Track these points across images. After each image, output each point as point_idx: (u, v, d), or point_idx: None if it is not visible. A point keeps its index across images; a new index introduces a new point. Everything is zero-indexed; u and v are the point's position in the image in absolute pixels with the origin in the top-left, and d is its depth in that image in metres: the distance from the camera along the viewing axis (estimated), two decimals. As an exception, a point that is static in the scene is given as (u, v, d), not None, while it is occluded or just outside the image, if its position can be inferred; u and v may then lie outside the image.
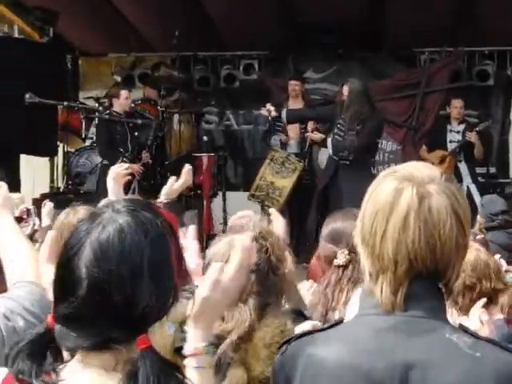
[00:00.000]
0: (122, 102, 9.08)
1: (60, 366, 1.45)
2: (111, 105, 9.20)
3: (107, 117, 9.06)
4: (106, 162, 8.77)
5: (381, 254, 1.57)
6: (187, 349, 1.68)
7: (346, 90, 8.19)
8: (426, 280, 1.57)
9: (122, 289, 1.41)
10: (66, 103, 9.49)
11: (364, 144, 8.07)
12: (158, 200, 5.27)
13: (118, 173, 3.81)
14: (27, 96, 8.63)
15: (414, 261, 1.55)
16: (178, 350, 1.54)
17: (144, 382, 1.38)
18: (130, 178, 3.84)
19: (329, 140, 8.35)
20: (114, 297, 1.41)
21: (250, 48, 10.75)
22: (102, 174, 8.67)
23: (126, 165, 4.60)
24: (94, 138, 10.11)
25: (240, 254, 1.70)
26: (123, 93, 9.13)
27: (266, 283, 2.27)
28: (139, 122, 9.29)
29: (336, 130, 8.25)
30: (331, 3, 9.14)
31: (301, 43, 10.67)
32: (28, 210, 4.77)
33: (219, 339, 2.14)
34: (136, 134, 9.20)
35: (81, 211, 3.34)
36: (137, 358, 1.42)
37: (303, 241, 8.35)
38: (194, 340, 1.67)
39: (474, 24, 9.69)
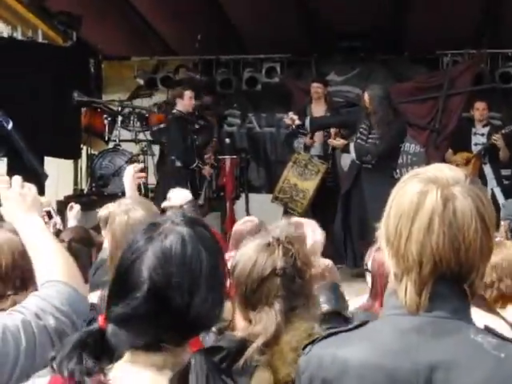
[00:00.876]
0: (187, 102, 8.87)
1: (108, 367, 1.51)
2: (175, 105, 9.02)
3: (179, 115, 8.87)
4: (179, 164, 8.72)
5: (405, 254, 1.57)
6: None
7: (366, 97, 8.15)
8: (450, 281, 1.57)
9: (180, 294, 1.50)
10: (117, 103, 9.72)
11: (387, 148, 8.03)
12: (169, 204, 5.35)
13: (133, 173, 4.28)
14: (75, 94, 8.70)
15: (439, 262, 1.55)
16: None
17: (194, 381, 1.45)
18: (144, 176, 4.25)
19: (351, 144, 8.32)
20: (172, 300, 1.50)
21: (273, 51, 10.75)
22: (178, 177, 8.56)
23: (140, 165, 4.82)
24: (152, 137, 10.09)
25: None
26: (187, 93, 8.88)
27: (291, 287, 2.27)
28: (202, 123, 9.28)
29: (359, 135, 8.22)
30: (354, 7, 9.12)
31: (323, 46, 10.66)
32: (48, 213, 4.82)
33: (247, 342, 2.15)
34: (195, 136, 9.15)
35: (139, 211, 3.33)
36: (189, 359, 1.49)
37: (329, 243, 8.34)
38: None
39: (496, 26, 9.65)
